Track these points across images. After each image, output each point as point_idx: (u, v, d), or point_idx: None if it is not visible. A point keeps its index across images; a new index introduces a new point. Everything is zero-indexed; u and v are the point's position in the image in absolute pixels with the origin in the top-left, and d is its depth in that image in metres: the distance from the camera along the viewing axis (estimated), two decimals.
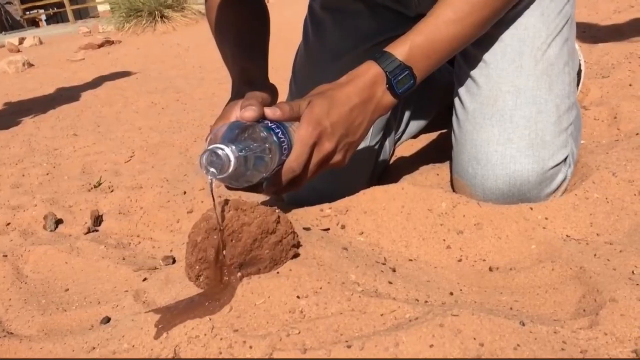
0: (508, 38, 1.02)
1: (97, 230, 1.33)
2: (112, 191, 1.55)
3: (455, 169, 1.07)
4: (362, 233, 0.95)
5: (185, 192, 1.43)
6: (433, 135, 1.55)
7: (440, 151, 1.41)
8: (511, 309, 0.75)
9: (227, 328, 0.70)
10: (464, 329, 0.63)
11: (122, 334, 0.78)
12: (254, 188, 0.89)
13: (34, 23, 14.86)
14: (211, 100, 2.63)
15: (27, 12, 14.83)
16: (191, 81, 3.20)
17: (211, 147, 0.75)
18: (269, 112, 0.85)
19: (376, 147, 1.29)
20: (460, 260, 0.90)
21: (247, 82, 1.03)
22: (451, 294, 0.79)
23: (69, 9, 13.51)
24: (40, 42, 7.41)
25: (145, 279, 1.00)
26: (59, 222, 1.39)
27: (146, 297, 0.91)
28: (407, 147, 1.52)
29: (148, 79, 3.48)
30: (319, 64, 1.25)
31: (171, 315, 0.76)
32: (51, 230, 1.36)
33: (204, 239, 0.78)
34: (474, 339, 0.62)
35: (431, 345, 0.61)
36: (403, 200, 0.98)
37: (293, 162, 0.85)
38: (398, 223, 0.96)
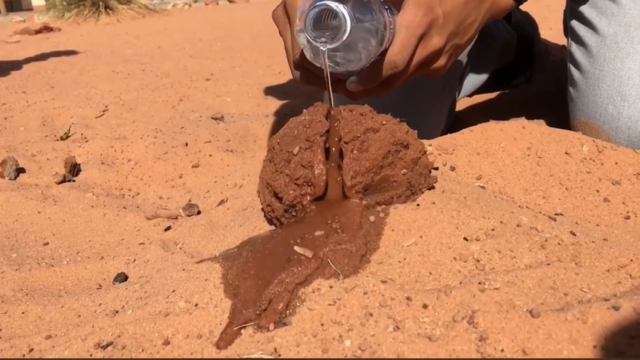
0: None
1: (73, 181, 1.02)
2: (87, 141, 1.23)
3: (582, 112, 0.82)
4: (481, 177, 0.70)
5: (187, 144, 1.13)
6: (490, 95, 1.31)
7: (505, 110, 1.18)
8: None
9: (368, 277, 0.43)
10: None
11: (169, 288, 0.49)
12: (335, 85, 0.62)
13: None
14: (185, 70, 2.31)
15: None
16: (154, 57, 2.81)
17: (322, 1, 0.51)
18: None
19: (452, 90, 1.03)
20: (627, 218, 0.65)
21: None
22: None
23: None
24: None
25: (168, 228, 0.71)
26: (20, 170, 1.07)
27: (183, 247, 0.62)
28: (465, 103, 1.28)
29: (101, 56, 3.00)
30: None
31: (254, 262, 0.48)
32: (10, 179, 1.03)
33: (305, 148, 0.51)
34: None
35: None
36: (528, 141, 0.73)
37: (396, 55, 0.59)
38: (526, 168, 0.70)
